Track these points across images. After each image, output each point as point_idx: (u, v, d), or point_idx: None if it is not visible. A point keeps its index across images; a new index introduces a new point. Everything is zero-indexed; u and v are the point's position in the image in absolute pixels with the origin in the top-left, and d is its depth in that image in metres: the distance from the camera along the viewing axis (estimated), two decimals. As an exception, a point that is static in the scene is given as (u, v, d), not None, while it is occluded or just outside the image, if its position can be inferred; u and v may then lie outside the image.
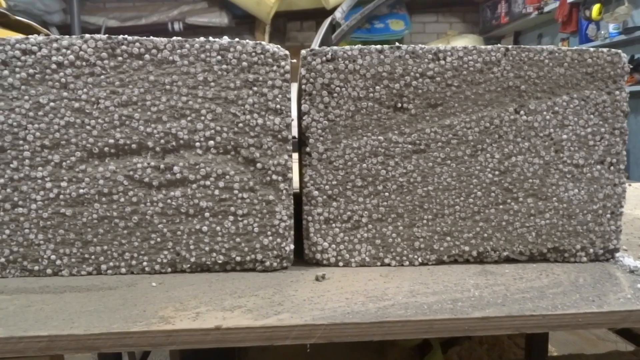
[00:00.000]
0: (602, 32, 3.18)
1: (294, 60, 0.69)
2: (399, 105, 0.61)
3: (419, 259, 0.63)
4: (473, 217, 0.63)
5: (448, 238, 0.63)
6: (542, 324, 0.49)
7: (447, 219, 0.62)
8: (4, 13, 1.86)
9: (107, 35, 0.57)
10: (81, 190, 0.58)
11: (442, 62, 0.60)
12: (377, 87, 0.60)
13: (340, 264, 0.63)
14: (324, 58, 0.59)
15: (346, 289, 0.55)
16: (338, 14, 3.27)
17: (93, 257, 0.59)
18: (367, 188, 0.62)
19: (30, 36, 0.57)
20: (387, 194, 0.62)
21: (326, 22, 3.14)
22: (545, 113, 0.62)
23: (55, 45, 0.57)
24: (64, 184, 0.58)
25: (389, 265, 0.63)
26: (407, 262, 0.63)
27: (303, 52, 0.59)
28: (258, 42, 0.58)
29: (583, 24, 3.35)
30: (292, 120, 0.60)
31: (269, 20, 3.59)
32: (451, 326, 0.48)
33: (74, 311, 0.49)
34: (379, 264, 0.63)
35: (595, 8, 3.16)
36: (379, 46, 0.59)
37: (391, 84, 0.60)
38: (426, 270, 0.61)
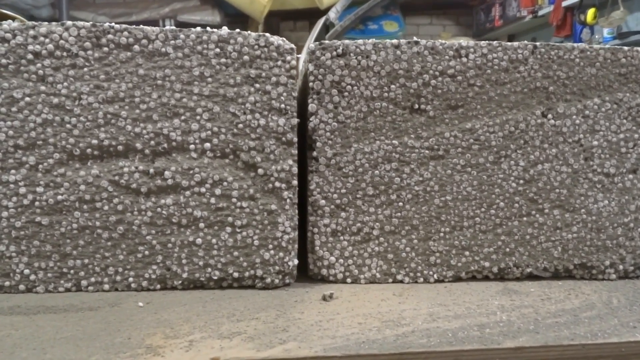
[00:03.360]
0: (596, 36, 3.16)
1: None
2: (416, 106, 0.55)
3: (435, 276, 0.57)
4: (494, 230, 0.57)
5: (467, 253, 0.57)
6: (581, 354, 0.43)
7: (466, 231, 0.57)
8: (-13, 6, 1.78)
9: (91, 23, 0.51)
10: (60, 197, 0.52)
11: (464, 59, 0.54)
12: (393, 86, 0.54)
13: (348, 280, 0.57)
14: (335, 53, 0.53)
15: (358, 311, 0.49)
16: (332, 14, 3.22)
17: (72, 271, 0.53)
18: (379, 197, 0.56)
19: (3, 22, 0.50)
20: (401, 204, 0.56)
21: (320, 22, 3.09)
22: (574, 117, 0.56)
23: (32, 32, 0.50)
24: (40, 189, 0.52)
25: (401, 282, 0.57)
26: (422, 279, 0.57)
27: (311, 46, 0.53)
28: (261, 33, 0.52)
29: (577, 28, 3.33)
30: (298, 121, 0.54)
31: (262, 20, 3.52)
32: (481, 358, 0.42)
33: (47, 338, 0.42)
34: (390, 280, 0.57)
35: (590, 12, 3.14)
36: (395, 40, 0.54)
37: (408, 82, 0.54)
38: (443, 288, 0.56)
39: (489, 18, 4.45)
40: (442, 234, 0.57)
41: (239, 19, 3.82)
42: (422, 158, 0.56)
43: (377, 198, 0.56)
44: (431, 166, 0.56)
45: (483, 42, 0.54)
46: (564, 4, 3.38)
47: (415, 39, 0.54)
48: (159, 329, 0.44)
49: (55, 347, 0.40)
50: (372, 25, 4.09)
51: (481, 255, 0.57)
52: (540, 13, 3.70)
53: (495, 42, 0.54)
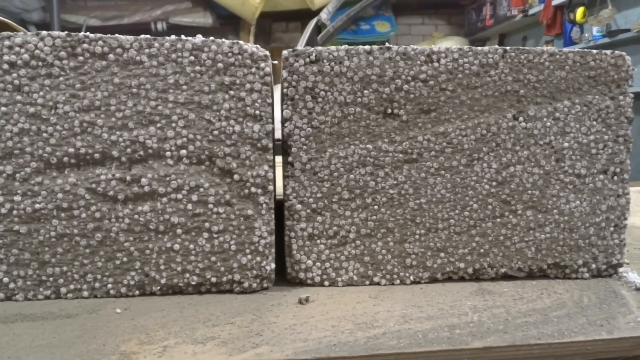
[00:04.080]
0: (586, 34, 3.18)
1: (276, 62, 0.64)
2: (389, 111, 0.56)
3: (411, 277, 0.58)
4: (469, 231, 0.58)
5: (442, 254, 0.58)
6: (548, 353, 0.44)
7: (440, 233, 0.58)
8: (-23, 10, 1.77)
9: (66, 32, 0.51)
10: (37, 205, 0.52)
11: (436, 64, 0.55)
12: (366, 92, 0.55)
13: (326, 283, 0.58)
14: (308, 59, 0.54)
15: (332, 314, 0.50)
16: (324, 15, 3.22)
17: (51, 279, 0.53)
18: (355, 201, 0.57)
19: (-22, 33, 0.51)
20: (376, 207, 0.57)
21: (312, 23, 3.09)
22: (545, 119, 0.57)
23: (7, 42, 0.51)
24: (17, 197, 0.52)
25: (378, 284, 0.58)
26: (398, 281, 0.58)
27: (285, 52, 0.54)
28: (235, 41, 0.53)
29: (567, 26, 3.35)
30: (273, 127, 0.55)
31: (254, 21, 3.53)
32: (450, 358, 0.43)
33: (23, 346, 0.43)
34: (367, 282, 0.58)
35: (580, 11, 3.17)
36: (367, 47, 0.55)
37: (381, 87, 0.55)
38: (419, 289, 0.57)
39: (480, 17, 4.47)
40: (417, 236, 0.58)
41: (231, 21, 3.83)
42: (396, 162, 0.56)
43: (352, 202, 0.57)
44: (405, 170, 0.57)
45: (454, 47, 0.55)
46: (553, 2, 3.41)
47: (387, 44, 0.55)
48: (135, 335, 0.45)
49: (31, 355, 0.41)
50: (364, 25, 4.11)
51: (456, 257, 0.58)
52: (531, 12, 3.72)
53: (465, 47, 0.55)
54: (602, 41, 2.98)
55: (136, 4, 3.58)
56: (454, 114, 0.56)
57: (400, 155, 0.56)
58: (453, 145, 0.57)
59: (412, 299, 0.54)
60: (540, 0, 3.61)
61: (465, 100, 0.56)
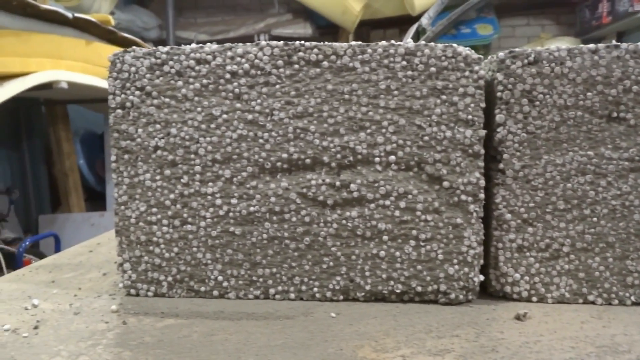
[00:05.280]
0: None
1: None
2: (615, 114, 0.51)
3: (632, 298, 0.53)
4: None
5: (672, 274, 0.52)
6: None
7: (671, 250, 0.52)
8: (113, 30, 1.96)
9: (283, 42, 0.53)
10: (252, 208, 0.54)
11: (673, 62, 0.50)
12: (589, 94, 0.51)
13: (534, 299, 0.54)
14: (526, 61, 0.51)
15: (561, 334, 0.46)
16: (425, 20, 3.16)
17: (261, 279, 0.55)
18: (571, 212, 0.52)
19: (205, 45, 0.54)
20: (595, 219, 0.52)
21: (412, 29, 3.04)
22: None
23: (229, 53, 0.54)
24: (234, 200, 0.55)
25: (593, 303, 0.53)
26: (617, 301, 0.53)
27: (501, 54, 0.52)
28: (448, 44, 0.52)
29: None
30: (485, 132, 0.52)
31: (353, 29, 3.55)
32: None
33: (263, 345, 0.44)
34: (581, 301, 0.53)
35: None
36: (591, 45, 0.50)
37: (606, 89, 0.51)
38: (647, 312, 0.51)
39: (596, 15, 4.14)
40: (642, 253, 0.52)
41: (329, 30, 3.89)
42: (621, 170, 0.52)
43: (568, 213, 0.53)
44: (631, 179, 0.52)
45: (696, 42, 0.49)
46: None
47: (614, 42, 0.51)
48: (364, 341, 0.44)
49: (275, 353, 0.42)
50: (465, 29, 3.96)
51: (689, 277, 0.52)
52: (661, 7, 3.37)
53: None
54: None
55: (241, 19, 3.76)
56: (692, 117, 0.50)
57: (626, 163, 0.51)
58: (690, 153, 0.51)
59: (645, 322, 0.48)
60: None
61: None
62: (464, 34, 3.95)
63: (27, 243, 1.70)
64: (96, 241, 0.86)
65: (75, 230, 2.10)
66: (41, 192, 2.32)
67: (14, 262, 1.63)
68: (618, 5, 3.85)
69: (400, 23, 3.87)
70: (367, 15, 3.62)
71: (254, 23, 3.76)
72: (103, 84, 1.71)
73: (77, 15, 1.61)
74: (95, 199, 2.41)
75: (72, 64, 1.66)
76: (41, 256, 1.82)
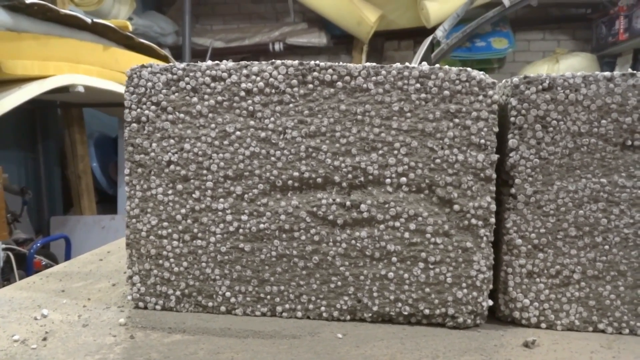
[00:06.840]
0: None
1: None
2: (629, 142, 0.51)
3: (643, 328, 0.52)
4: None
5: (684, 305, 0.51)
6: None
7: (684, 282, 0.51)
8: (130, 36, 1.98)
9: (298, 61, 0.54)
10: (262, 225, 0.55)
11: (690, 92, 0.49)
12: (603, 121, 0.51)
13: (543, 325, 0.53)
14: (540, 87, 0.51)
15: (570, 364, 0.45)
16: (439, 33, 3.16)
17: (269, 297, 0.55)
18: (583, 239, 0.52)
19: (220, 62, 0.55)
20: (607, 247, 0.52)
21: (427, 41, 3.04)
22: None
23: (245, 71, 0.54)
24: (244, 217, 0.55)
25: (603, 331, 0.53)
26: (627, 330, 0.52)
27: (515, 79, 0.52)
28: (462, 68, 0.52)
29: None
30: (498, 157, 0.52)
31: (368, 40, 3.56)
32: None
33: (269, 365, 0.44)
34: (590, 329, 0.53)
35: None
36: (607, 73, 0.50)
37: (621, 117, 0.51)
38: (658, 343, 0.50)
39: (612, 32, 4.10)
40: (654, 283, 0.51)
41: (344, 40, 3.92)
42: (635, 199, 0.51)
43: (580, 240, 0.52)
44: (645, 208, 0.51)
45: None
46: None
47: (630, 71, 0.50)
48: (370, 365, 0.44)
49: (281, 375, 0.42)
50: (480, 42, 3.95)
51: (702, 310, 0.51)
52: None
53: None
54: None
55: (256, 27, 3.79)
56: None
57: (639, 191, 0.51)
58: None
59: (656, 354, 0.48)
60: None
61: None
62: (478, 47, 3.94)
63: (39, 245, 1.72)
64: (107, 249, 0.87)
65: (86, 233, 2.11)
66: (54, 193, 2.35)
67: (24, 263, 1.65)
68: (635, 23, 3.82)
69: (415, 35, 3.88)
70: (382, 26, 3.64)
71: (269, 31, 3.79)
72: (119, 88, 1.73)
73: (95, 20, 1.63)
74: (107, 202, 2.44)
75: (89, 69, 1.69)
76: (51, 257, 1.84)
